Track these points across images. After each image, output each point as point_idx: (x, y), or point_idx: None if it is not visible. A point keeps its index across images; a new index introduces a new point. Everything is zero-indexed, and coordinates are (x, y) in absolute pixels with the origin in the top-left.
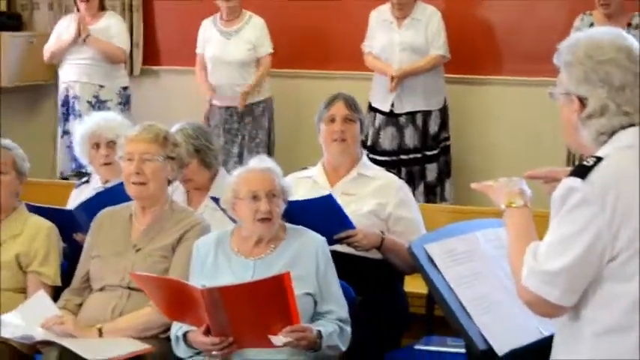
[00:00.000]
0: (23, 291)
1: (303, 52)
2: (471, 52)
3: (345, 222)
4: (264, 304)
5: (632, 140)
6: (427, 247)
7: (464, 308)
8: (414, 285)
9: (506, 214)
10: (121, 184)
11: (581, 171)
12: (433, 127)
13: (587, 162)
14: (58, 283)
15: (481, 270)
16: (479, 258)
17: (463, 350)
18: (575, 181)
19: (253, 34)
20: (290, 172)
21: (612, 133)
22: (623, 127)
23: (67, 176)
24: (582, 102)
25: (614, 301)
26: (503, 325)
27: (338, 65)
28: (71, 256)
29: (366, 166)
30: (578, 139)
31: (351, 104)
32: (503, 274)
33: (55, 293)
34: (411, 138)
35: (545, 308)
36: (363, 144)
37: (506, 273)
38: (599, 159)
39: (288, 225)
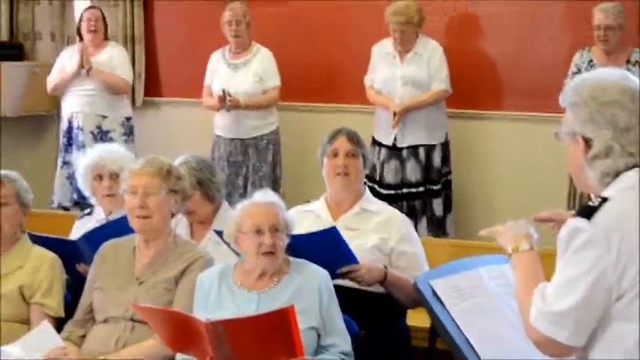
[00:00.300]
0: (26, 322)
1: (312, 86)
2: (472, 87)
3: (348, 256)
4: (268, 337)
5: (637, 181)
6: (432, 283)
7: (469, 344)
8: (416, 319)
9: (513, 259)
10: (125, 216)
11: (587, 212)
12: (436, 160)
13: (593, 202)
14: (62, 314)
15: (485, 306)
16: (483, 294)
17: None
18: (581, 222)
19: (260, 66)
20: (298, 205)
21: (617, 174)
22: (628, 168)
23: (66, 207)
24: (587, 143)
25: (621, 340)
26: None
27: (346, 99)
28: (74, 288)
29: (369, 200)
30: (584, 179)
31: (354, 139)
32: (509, 311)
33: (58, 324)
34: (413, 172)
35: (554, 349)
36: (370, 178)
37: (513, 309)
38: (604, 199)
39: (291, 259)
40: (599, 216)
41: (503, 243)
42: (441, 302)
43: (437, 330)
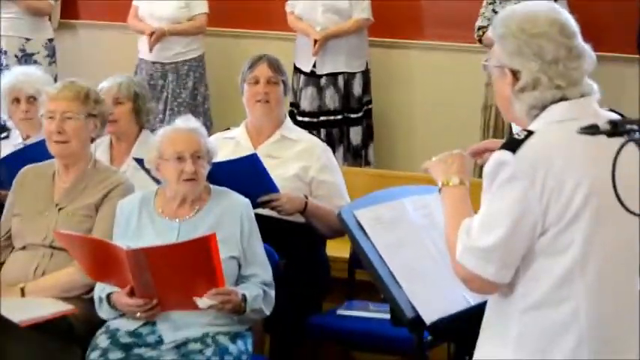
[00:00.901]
0: None
1: (237, 11)
2: (393, 15)
3: (268, 184)
4: (189, 265)
5: (563, 114)
6: (356, 214)
7: (392, 275)
8: (335, 249)
9: (442, 192)
10: (44, 140)
11: (512, 145)
12: (356, 89)
13: (519, 135)
14: None
15: (408, 237)
16: (406, 225)
17: (386, 316)
18: (506, 155)
19: None
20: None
21: (544, 107)
22: (555, 101)
23: None
24: (515, 75)
25: (543, 276)
26: (431, 293)
27: (272, 25)
28: None
29: (289, 128)
30: (511, 112)
31: (275, 66)
32: (431, 242)
33: None
34: (331, 99)
35: (480, 285)
36: (291, 103)
37: (434, 241)
38: (530, 133)
39: (212, 187)
40: (524, 149)
41: (435, 176)
42: (365, 232)
43: (360, 260)
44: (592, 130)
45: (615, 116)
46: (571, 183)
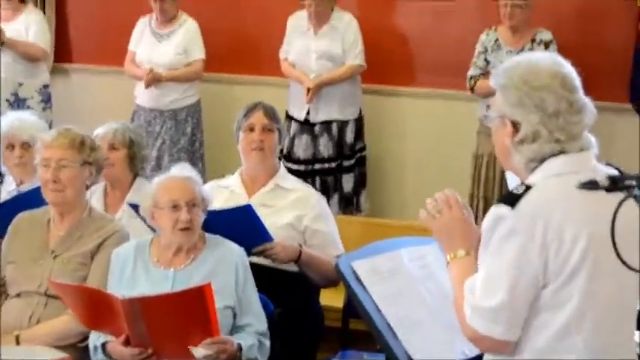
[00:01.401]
0: None
1: (232, 57)
2: (384, 62)
3: (263, 234)
4: (184, 315)
5: (562, 168)
6: (354, 265)
7: (389, 326)
8: (329, 299)
9: (450, 265)
10: (39, 187)
11: (511, 199)
12: (349, 136)
13: (517, 190)
14: None
15: (405, 288)
16: (404, 276)
17: None
18: (504, 210)
19: (184, 38)
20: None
21: (542, 160)
22: (554, 155)
23: None
24: (515, 126)
25: (543, 330)
26: (429, 344)
27: (266, 71)
28: None
29: (284, 177)
30: (510, 162)
31: (270, 113)
32: (427, 293)
33: None
34: (325, 147)
35: (490, 344)
36: (281, 152)
37: (430, 292)
38: (528, 187)
39: (207, 235)
40: (523, 204)
41: (440, 246)
42: (362, 284)
43: (355, 310)
44: (591, 185)
45: (613, 171)
46: (569, 237)
